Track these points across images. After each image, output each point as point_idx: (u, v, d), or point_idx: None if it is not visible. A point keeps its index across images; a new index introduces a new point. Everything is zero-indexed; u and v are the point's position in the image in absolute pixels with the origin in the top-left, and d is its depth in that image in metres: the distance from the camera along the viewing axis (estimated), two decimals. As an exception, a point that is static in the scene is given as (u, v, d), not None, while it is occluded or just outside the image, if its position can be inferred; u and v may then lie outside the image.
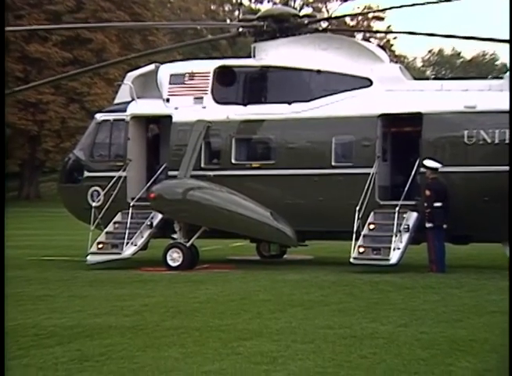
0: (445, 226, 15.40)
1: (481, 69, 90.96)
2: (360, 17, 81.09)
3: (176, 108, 17.75)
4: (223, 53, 66.94)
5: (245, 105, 17.46)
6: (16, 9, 58.58)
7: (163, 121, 18.40)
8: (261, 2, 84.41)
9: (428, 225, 15.48)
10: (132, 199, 17.50)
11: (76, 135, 49.91)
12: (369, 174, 15.86)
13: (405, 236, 15.37)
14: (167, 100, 17.87)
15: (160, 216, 17.11)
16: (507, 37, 14.33)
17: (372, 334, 8.76)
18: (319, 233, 16.92)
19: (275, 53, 17.51)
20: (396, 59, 73.62)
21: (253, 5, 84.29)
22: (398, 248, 15.19)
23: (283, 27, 17.74)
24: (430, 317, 9.92)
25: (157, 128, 19.46)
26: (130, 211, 17.17)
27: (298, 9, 74.56)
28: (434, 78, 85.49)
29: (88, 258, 16.94)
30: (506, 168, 14.28)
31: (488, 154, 15.46)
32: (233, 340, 8.44)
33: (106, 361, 7.55)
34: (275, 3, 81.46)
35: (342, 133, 16.56)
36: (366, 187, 15.71)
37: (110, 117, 18.43)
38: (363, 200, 15.61)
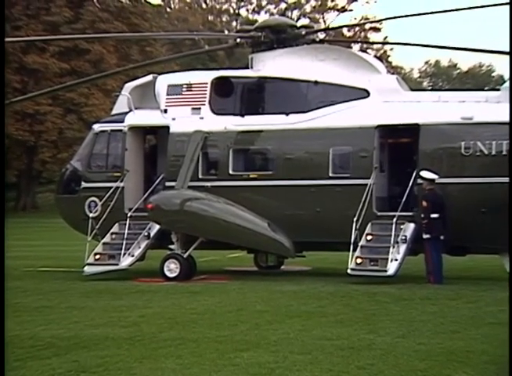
0: (442, 237, 15.40)
1: (477, 80, 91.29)
2: (357, 28, 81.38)
3: (174, 119, 17.77)
4: (220, 64, 67.09)
5: (242, 116, 17.49)
6: (13, 20, 58.70)
7: (160, 132, 18.41)
8: (259, 13, 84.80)
9: (425, 236, 15.48)
10: (130, 210, 17.49)
11: (73, 145, 49.90)
12: (367, 185, 15.87)
13: (403, 248, 15.37)
14: (165, 111, 17.89)
15: (157, 227, 17.10)
16: (505, 48, 14.41)
17: (369, 345, 8.76)
18: (316, 244, 16.90)
19: (272, 64, 17.56)
20: (393, 70, 73.83)
21: (250, 16, 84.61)
22: (396, 259, 15.18)
23: (280, 37, 17.79)
24: (427, 328, 9.91)
25: (155, 138, 19.48)
26: (127, 221, 17.16)
27: (295, 19, 74.82)
28: (431, 89, 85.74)
29: (85, 269, 16.90)
30: (503, 179, 14.30)
31: (485, 166, 15.48)
32: (230, 351, 8.43)
33: (103, 372, 7.53)
34: (272, 14, 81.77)
35: (339, 144, 16.58)
36: (364, 198, 15.71)
37: (108, 127, 18.44)
38: (361, 211, 15.61)
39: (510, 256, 14.75)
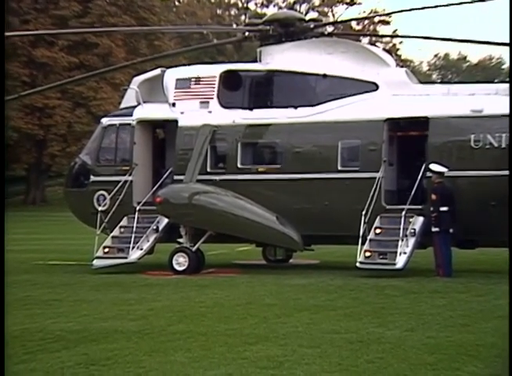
0: (451, 231, 15.36)
1: (487, 73, 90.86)
2: (366, 21, 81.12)
3: (182, 112, 17.77)
4: (229, 58, 67.02)
5: (251, 109, 17.47)
6: (22, 14, 58.79)
7: (169, 126, 18.41)
8: (267, 7, 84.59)
9: (434, 229, 15.45)
10: (138, 203, 17.52)
11: (82, 139, 50.00)
12: (376, 178, 15.85)
13: (412, 241, 15.34)
14: (173, 105, 17.90)
15: (166, 220, 17.12)
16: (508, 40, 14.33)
17: (378, 338, 8.75)
18: (325, 238, 16.89)
19: (281, 57, 17.52)
20: (402, 63, 73.60)
21: (259, 10, 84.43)
22: (405, 253, 15.17)
23: (288, 31, 17.75)
24: (437, 322, 9.89)
25: (163, 132, 19.48)
26: (136, 215, 17.18)
27: (304, 13, 74.58)
28: (440, 82, 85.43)
29: (94, 262, 16.95)
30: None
31: (495, 158, 15.42)
32: (239, 344, 8.44)
33: (112, 365, 7.55)
34: (280, 7, 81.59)
35: (348, 137, 16.55)
36: (373, 191, 15.69)
37: (116, 121, 18.46)
38: (369, 204, 15.59)
39: (510, 252, 14.67)
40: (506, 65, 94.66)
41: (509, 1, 13.78)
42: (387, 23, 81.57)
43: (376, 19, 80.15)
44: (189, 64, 21.83)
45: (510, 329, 7.67)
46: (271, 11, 76.89)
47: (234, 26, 72.72)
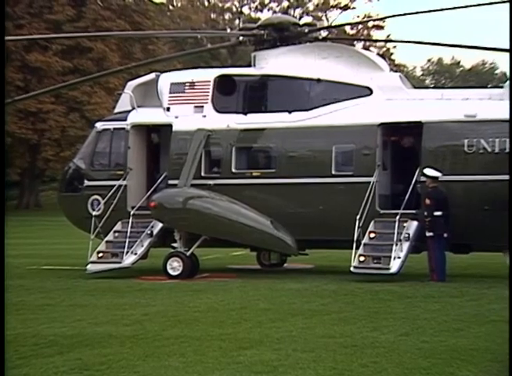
0: (445, 235, 15.39)
1: (480, 78, 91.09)
2: (360, 26, 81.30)
3: (176, 117, 17.77)
4: (223, 62, 67.06)
5: (245, 114, 17.48)
6: (16, 19, 58.68)
7: (163, 130, 18.40)
8: (261, 11, 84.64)
9: (428, 234, 15.47)
10: (132, 208, 17.50)
11: (76, 144, 49.92)
12: (370, 183, 15.87)
13: (406, 245, 15.36)
14: (168, 109, 17.90)
15: (160, 225, 17.11)
16: (507, 46, 14.37)
17: (373, 343, 8.76)
18: (319, 242, 16.90)
19: (275, 62, 17.55)
20: (396, 68, 73.73)
21: (253, 14, 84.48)
22: (399, 257, 15.18)
23: (283, 35, 17.78)
24: (430, 326, 9.91)
25: (158, 136, 19.46)
26: (130, 220, 17.16)
27: (298, 17, 74.66)
28: (434, 87, 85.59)
29: (88, 267, 16.92)
30: (506, 176, 14.25)
31: (489, 163, 15.47)
32: (234, 349, 8.43)
33: (106, 370, 7.54)
34: (275, 12, 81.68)
35: (342, 142, 16.57)
36: (367, 196, 15.71)
37: (111, 125, 18.45)
38: (363, 208, 15.61)
39: (510, 254, 14.71)
40: (500, 70, 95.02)
41: (508, 6, 13.80)
42: (381, 27, 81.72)
43: (370, 24, 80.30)
44: (183, 69, 21.85)
45: (510, 332, 7.65)
46: (265, 15, 76.98)
47: (228, 30, 72.73)
